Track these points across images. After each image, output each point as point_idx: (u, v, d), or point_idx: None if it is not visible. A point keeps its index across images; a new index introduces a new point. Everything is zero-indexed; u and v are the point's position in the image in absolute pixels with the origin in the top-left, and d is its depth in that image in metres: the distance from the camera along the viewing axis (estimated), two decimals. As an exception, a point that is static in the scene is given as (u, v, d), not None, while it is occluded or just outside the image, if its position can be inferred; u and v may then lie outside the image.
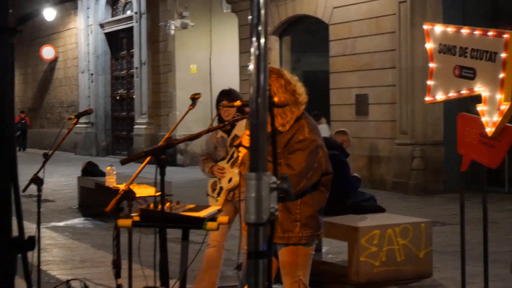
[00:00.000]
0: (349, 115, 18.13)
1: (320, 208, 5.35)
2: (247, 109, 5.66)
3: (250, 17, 2.51)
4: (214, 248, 6.94)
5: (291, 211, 5.16)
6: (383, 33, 17.08)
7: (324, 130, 16.59)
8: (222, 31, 24.66)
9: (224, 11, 23.38)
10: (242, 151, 5.34)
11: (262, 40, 2.50)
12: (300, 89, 5.26)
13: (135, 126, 27.53)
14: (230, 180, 6.85)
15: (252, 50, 2.50)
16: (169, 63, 25.50)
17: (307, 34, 21.27)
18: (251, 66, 2.48)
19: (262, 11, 2.50)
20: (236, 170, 6.72)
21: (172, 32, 24.75)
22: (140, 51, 27.05)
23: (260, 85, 2.47)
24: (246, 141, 5.14)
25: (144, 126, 26.77)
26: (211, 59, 24.89)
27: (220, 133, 7.01)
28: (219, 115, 6.76)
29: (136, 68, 27.42)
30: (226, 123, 5.22)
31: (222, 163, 6.94)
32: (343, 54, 18.29)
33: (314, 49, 21.22)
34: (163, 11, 25.64)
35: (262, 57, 2.49)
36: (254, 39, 2.50)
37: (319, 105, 20.26)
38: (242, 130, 6.08)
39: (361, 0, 17.65)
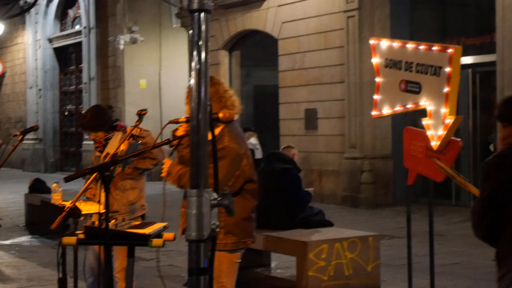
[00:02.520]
0: (298, 130, 18.19)
1: (247, 216, 5.35)
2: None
3: (190, 31, 2.50)
4: None
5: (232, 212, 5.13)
6: (332, 47, 17.19)
7: (251, 144, 16.73)
8: (172, 46, 24.59)
9: (174, 25, 23.34)
10: (167, 163, 5.35)
11: (203, 55, 2.49)
12: (229, 100, 5.31)
13: (84, 142, 27.26)
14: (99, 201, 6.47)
15: (193, 65, 2.49)
16: (118, 78, 25.35)
17: (256, 49, 21.32)
18: (192, 81, 2.47)
19: (203, 27, 2.49)
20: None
21: (122, 47, 24.61)
22: (89, 66, 26.85)
23: (201, 101, 2.46)
24: (180, 131, 5.18)
25: (93, 142, 26.43)
26: (161, 74, 24.80)
27: (96, 152, 6.78)
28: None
29: (85, 83, 27.19)
30: (173, 139, 5.19)
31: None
32: (292, 68, 18.37)
33: (263, 63, 21.28)
34: (112, 26, 25.50)
35: (203, 72, 2.48)
36: (195, 53, 2.49)
37: (268, 119, 20.36)
38: (114, 147, 5.97)
39: (310, 15, 17.76)
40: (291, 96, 18.43)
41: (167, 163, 5.35)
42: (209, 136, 2.52)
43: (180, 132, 5.22)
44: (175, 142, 5.25)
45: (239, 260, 5.41)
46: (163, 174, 5.34)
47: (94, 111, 6.68)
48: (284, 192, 8.57)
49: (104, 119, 6.58)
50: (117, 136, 6.49)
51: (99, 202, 6.14)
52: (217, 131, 5.20)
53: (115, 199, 6.33)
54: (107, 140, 6.50)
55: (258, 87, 21.80)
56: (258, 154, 17.43)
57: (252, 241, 5.48)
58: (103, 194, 6.31)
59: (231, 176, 5.15)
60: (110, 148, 6.38)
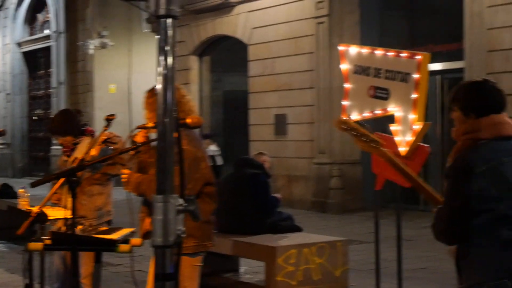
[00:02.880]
0: (268, 135, 18.21)
1: (207, 219, 5.37)
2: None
3: (157, 37, 2.50)
4: None
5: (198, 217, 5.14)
6: (302, 53, 17.25)
7: (211, 151, 16.81)
8: (142, 50, 24.53)
9: (144, 30, 23.28)
10: (126, 171, 5.35)
11: (170, 60, 2.49)
12: (187, 105, 5.37)
13: (53, 147, 27.07)
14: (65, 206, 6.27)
15: (160, 70, 2.49)
16: (87, 82, 25.23)
17: (227, 54, 21.32)
18: (158, 86, 2.47)
19: (170, 32, 2.49)
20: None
21: (91, 51, 24.52)
22: (58, 70, 26.70)
23: (167, 106, 2.46)
24: (139, 137, 5.20)
25: (61, 147, 26.35)
26: (131, 79, 24.72)
27: (64, 157, 6.72)
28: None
29: (54, 87, 27.03)
30: (140, 144, 5.18)
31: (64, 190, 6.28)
32: (262, 74, 18.39)
33: (234, 69, 21.29)
34: (82, 31, 25.39)
35: (169, 77, 2.49)
36: (161, 58, 2.49)
37: (238, 124, 20.36)
38: (82, 152, 5.97)
39: (280, 21, 17.80)
40: (261, 101, 18.45)
41: (126, 171, 5.35)
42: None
43: (139, 138, 5.21)
44: (142, 148, 5.25)
45: (201, 264, 5.41)
46: (122, 182, 5.35)
47: (62, 115, 6.65)
48: (252, 197, 8.57)
49: (72, 123, 6.55)
50: (85, 141, 6.46)
51: (65, 207, 6.13)
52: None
53: (82, 204, 6.26)
54: (75, 144, 6.46)
55: (228, 92, 21.79)
56: (219, 161, 17.48)
57: (212, 244, 5.48)
58: (69, 199, 6.25)
59: (190, 179, 5.15)
60: (79, 153, 6.34)
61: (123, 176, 5.35)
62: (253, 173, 8.73)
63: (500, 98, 3.92)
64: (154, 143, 5.20)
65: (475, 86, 3.94)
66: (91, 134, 6.56)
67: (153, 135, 5.38)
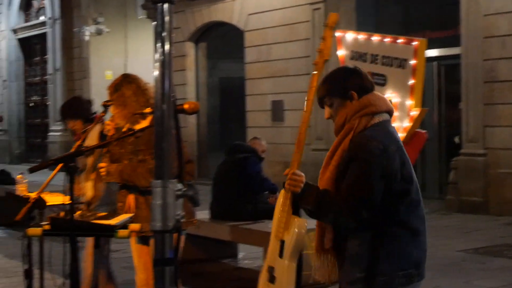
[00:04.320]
0: (265, 121, 18.22)
1: None
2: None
3: (154, 23, 2.51)
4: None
5: (197, 202, 5.19)
6: (298, 39, 17.24)
7: None
8: (138, 37, 24.49)
9: (139, 17, 23.23)
10: (102, 165, 5.41)
11: (167, 46, 2.50)
12: (152, 92, 5.47)
13: (50, 133, 27.10)
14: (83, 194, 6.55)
15: (157, 56, 2.50)
16: (83, 69, 25.20)
17: (223, 41, 21.30)
18: (156, 72, 2.48)
19: (167, 18, 2.49)
20: (89, 184, 6.56)
21: (87, 38, 24.47)
22: (54, 57, 26.66)
23: (164, 92, 2.47)
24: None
25: (59, 133, 26.37)
26: (127, 65, 24.67)
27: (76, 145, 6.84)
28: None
29: (50, 74, 27.00)
30: (136, 130, 5.20)
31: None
32: (259, 60, 18.38)
33: (230, 55, 21.26)
34: (77, 17, 25.33)
35: (166, 63, 2.49)
36: (158, 45, 2.50)
37: (235, 111, 20.36)
38: (92, 139, 6.09)
39: (276, 7, 17.78)
40: (258, 88, 18.45)
41: (102, 164, 5.43)
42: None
43: (111, 132, 5.35)
44: (138, 134, 5.28)
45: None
46: (102, 175, 5.40)
47: (72, 100, 6.89)
48: (244, 180, 8.54)
49: (82, 108, 6.66)
50: (96, 128, 6.48)
51: (82, 195, 6.36)
52: (147, 122, 5.28)
53: (99, 190, 6.40)
54: (84, 132, 6.49)
55: (224, 79, 21.78)
56: None
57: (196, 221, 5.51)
58: (88, 183, 6.42)
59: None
60: (90, 141, 6.39)
61: (101, 169, 5.41)
62: (243, 156, 8.69)
63: (369, 79, 3.88)
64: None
65: (347, 70, 3.97)
66: (100, 121, 6.59)
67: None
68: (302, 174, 3.81)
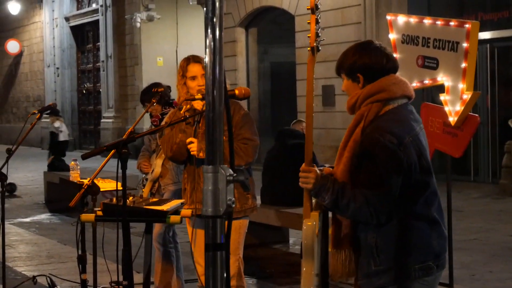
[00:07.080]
0: (316, 106, 18.14)
1: None
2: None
3: (205, 9, 2.51)
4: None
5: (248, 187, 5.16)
6: (349, 23, 17.12)
7: (54, 128, 16.78)
8: (189, 23, 24.57)
9: (191, 3, 23.29)
10: (194, 141, 5.38)
11: (217, 33, 2.49)
12: None
13: (102, 120, 27.38)
14: (152, 171, 6.94)
15: (207, 42, 2.49)
16: (135, 56, 25.38)
17: (273, 26, 21.25)
18: (206, 59, 2.48)
19: (217, 4, 2.49)
20: (159, 161, 6.83)
21: (138, 25, 24.62)
22: (106, 44, 26.89)
23: (215, 78, 2.47)
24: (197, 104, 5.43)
25: (111, 120, 26.64)
26: (178, 51, 24.78)
27: (152, 127, 6.94)
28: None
29: (102, 61, 27.25)
30: (188, 116, 5.22)
31: (152, 157, 7.08)
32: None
33: (280, 40, 21.21)
34: (129, 4, 25.50)
35: (217, 50, 2.49)
36: (209, 31, 2.49)
37: (285, 96, 20.33)
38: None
39: (327, -9, 17.68)
40: (309, 72, 18.36)
41: (194, 141, 5.37)
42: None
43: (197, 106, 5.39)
44: (190, 120, 5.29)
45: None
46: (193, 153, 5.33)
47: (152, 85, 7.04)
48: (296, 168, 8.49)
49: (161, 93, 6.80)
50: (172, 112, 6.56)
51: (151, 172, 6.86)
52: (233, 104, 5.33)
53: (169, 169, 6.79)
54: (163, 115, 6.56)
55: (275, 64, 21.73)
56: (63, 137, 16.97)
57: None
58: (158, 161, 6.67)
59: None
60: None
61: (190, 146, 5.36)
62: (294, 143, 8.61)
63: (392, 58, 3.74)
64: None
65: (357, 47, 3.84)
66: (177, 106, 6.68)
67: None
68: (313, 169, 3.71)
